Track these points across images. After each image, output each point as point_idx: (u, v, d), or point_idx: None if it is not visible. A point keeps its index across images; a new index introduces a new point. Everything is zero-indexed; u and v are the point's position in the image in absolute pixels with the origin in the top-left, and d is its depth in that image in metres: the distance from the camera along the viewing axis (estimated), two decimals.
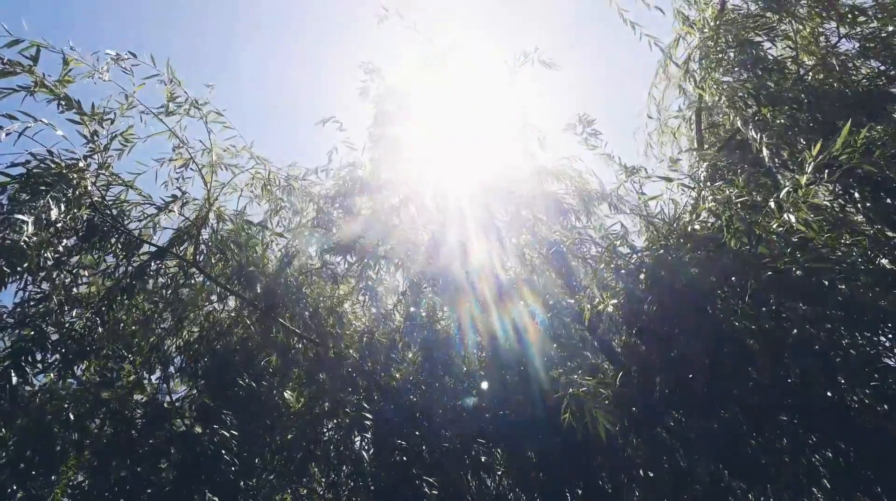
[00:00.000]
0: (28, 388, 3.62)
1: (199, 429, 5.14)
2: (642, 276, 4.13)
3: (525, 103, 5.45)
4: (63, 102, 3.49)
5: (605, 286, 4.56)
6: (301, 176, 5.74)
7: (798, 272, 3.37)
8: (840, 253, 3.58)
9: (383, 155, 5.72)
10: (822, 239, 3.54)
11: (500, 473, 5.10)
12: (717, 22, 5.17)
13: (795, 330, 3.31)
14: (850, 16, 4.46)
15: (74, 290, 4.26)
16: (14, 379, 3.10)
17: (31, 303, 3.83)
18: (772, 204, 3.30)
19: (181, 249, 4.85)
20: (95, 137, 3.76)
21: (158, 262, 4.88)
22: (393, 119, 5.51)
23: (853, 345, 3.35)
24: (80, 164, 3.63)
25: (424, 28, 5.23)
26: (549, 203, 5.44)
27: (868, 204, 4.31)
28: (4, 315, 4.01)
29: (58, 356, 3.87)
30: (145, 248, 4.82)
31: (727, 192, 3.68)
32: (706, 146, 5.59)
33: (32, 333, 3.55)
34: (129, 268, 4.71)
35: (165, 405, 5.22)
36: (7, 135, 3.13)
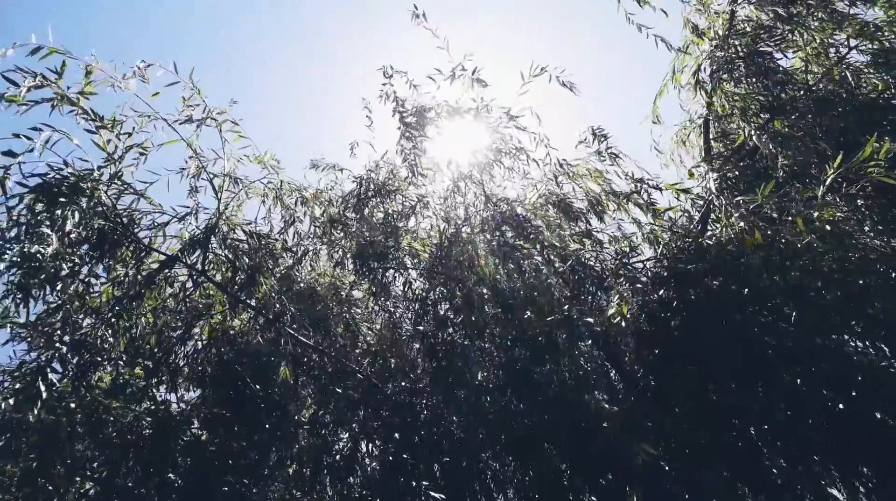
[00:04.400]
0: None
1: (207, 438, 5.11)
2: (656, 288, 4.14)
3: (539, 108, 5.44)
4: (88, 117, 3.48)
5: (616, 298, 4.56)
6: (317, 183, 5.76)
7: (817, 285, 3.38)
8: (850, 267, 3.60)
9: (398, 160, 5.72)
10: (837, 254, 3.55)
11: (509, 487, 5.07)
12: (727, 32, 5.19)
13: (815, 343, 3.31)
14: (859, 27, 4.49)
15: (87, 299, 4.23)
16: (42, 391, 3.07)
17: (47, 314, 3.80)
18: (791, 217, 3.30)
19: (191, 258, 4.83)
20: (113, 148, 3.75)
21: (168, 271, 4.87)
22: (410, 125, 5.49)
23: (872, 360, 3.35)
24: (95, 174, 3.61)
25: (441, 35, 5.20)
26: (562, 209, 5.45)
27: (876, 218, 4.33)
28: (16, 327, 3.98)
29: (72, 366, 3.85)
30: (155, 256, 4.81)
31: (744, 204, 3.68)
32: (715, 156, 5.60)
33: (49, 344, 3.53)
34: (139, 276, 4.69)
35: (174, 413, 5.18)
36: (32, 150, 3.12)
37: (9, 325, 3.77)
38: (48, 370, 3.18)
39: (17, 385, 3.19)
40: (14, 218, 3.17)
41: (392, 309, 5.73)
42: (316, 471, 5.16)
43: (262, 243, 5.27)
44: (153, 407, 5.01)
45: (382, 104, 5.54)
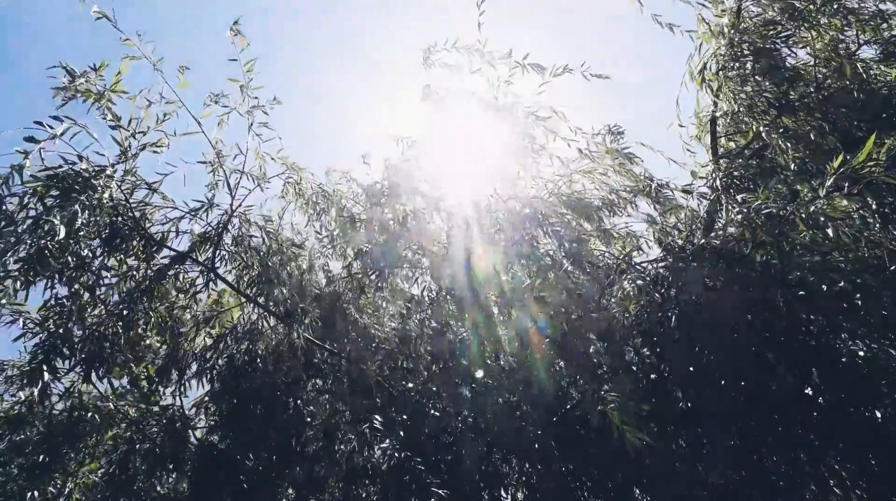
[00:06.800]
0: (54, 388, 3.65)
1: (215, 438, 5.13)
2: (660, 288, 4.09)
3: (557, 105, 5.40)
4: (109, 117, 3.58)
5: (621, 298, 4.53)
6: (336, 181, 5.81)
7: (822, 286, 3.33)
8: (859, 267, 3.53)
9: (416, 158, 5.74)
10: (842, 252, 3.50)
11: (515, 487, 5.03)
12: (733, 29, 5.16)
13: (820, 345, 3.27)
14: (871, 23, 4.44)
15: (97, 291, 4.30)
16: (45, 377, 3.12)
17: (56, 304, 3.87)
18: (798, 214, 3.26)
19: (202, 254, 4.88)
20: (128, 144, 3.85)
21: (178, 266, 4.92)
22: (432, 121, 5.51)
23: (876, 360, 3.29)
24: (109, 170, 3.69)
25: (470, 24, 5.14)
26: (575, 207, 5.43)
27: (884, 215, 4.25)
28: (27, 321, 4.06)
29: (81, 358, 3.90)
30: (166, 251, 4.87)
31: (749, 203, 3.64)
32: (722, 154, 5.55)
33: (59, 331, 3.58)
34: (149, 271, 4.75)
35: (181, 412, 5.21)
36: (54, 138, 3.21)
37: (19, 316, 3.85)
38: (54, 360, 3.23)
39: (24, 378, 3.23)
40: (25, 209, 3.26)
41: (402, 308, 5.74)
42: (326, 473, 5.14)
43: (277, 240, 5.30)
44: (159, 410, 5.05)
45: (414, 89, 5.51)
